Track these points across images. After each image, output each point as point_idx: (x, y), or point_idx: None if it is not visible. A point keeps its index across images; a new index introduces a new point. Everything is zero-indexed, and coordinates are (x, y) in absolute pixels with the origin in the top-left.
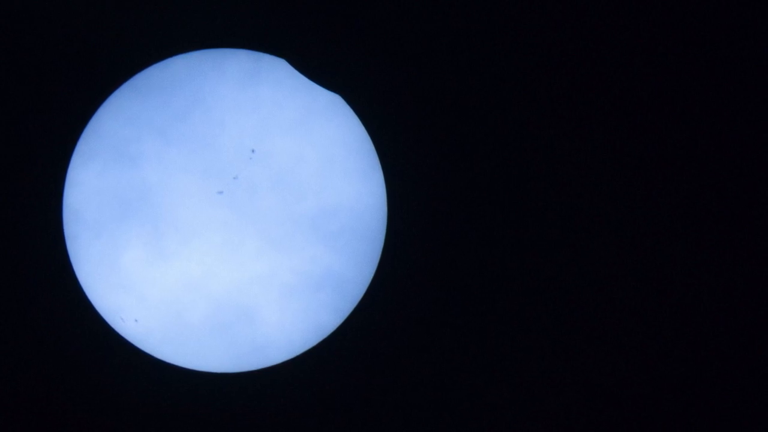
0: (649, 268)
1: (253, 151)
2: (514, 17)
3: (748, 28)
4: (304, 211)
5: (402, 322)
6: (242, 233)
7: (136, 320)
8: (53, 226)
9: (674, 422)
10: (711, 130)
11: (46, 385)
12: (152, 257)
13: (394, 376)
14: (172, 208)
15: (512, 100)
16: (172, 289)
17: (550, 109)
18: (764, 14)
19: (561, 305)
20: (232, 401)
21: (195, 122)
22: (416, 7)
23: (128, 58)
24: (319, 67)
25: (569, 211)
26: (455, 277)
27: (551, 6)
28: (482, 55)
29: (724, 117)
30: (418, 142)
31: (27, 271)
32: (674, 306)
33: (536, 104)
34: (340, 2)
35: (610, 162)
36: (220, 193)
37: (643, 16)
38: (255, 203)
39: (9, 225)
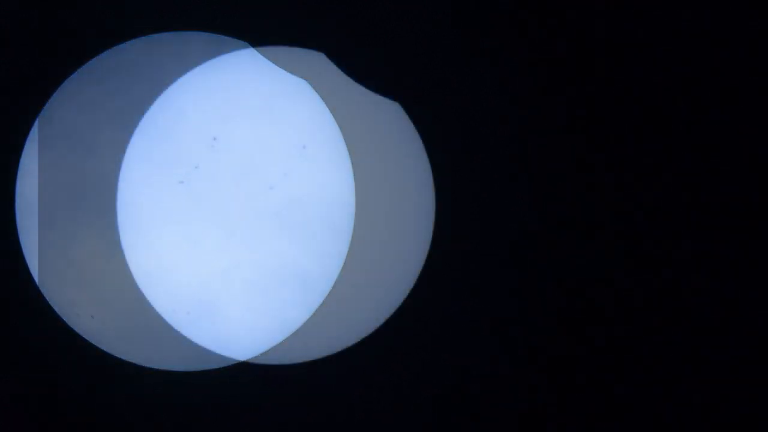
0: (648, 268)
1: (215, 138)
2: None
3: (748, 28)
4: (268, 203)
5: (369, 317)
6: (204, 225)
7: (92, 316)
8: (5, 217)
9: (674, 422)
10: (711, 130)
11: None
12: (109, 250)
13: (360, 373)
14: (130, 199)
15: (486, 88)
16: (130, 284)
17: (531, 101)
18: (764, 14)
19: (539, 301)
20: (192, 400)
21: (154, 109)
22: None
23: (84, 42)
24: (284, 50)
25: (547, 205)
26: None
27: None
28: (455, 37)
29: (724, 117)
30: (387, 130)
31: None
32: (673, 305)
33: (516, 96)
34: None
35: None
36: (181, 183)
37: (642, 15)
38: (217, 194)
39: None
